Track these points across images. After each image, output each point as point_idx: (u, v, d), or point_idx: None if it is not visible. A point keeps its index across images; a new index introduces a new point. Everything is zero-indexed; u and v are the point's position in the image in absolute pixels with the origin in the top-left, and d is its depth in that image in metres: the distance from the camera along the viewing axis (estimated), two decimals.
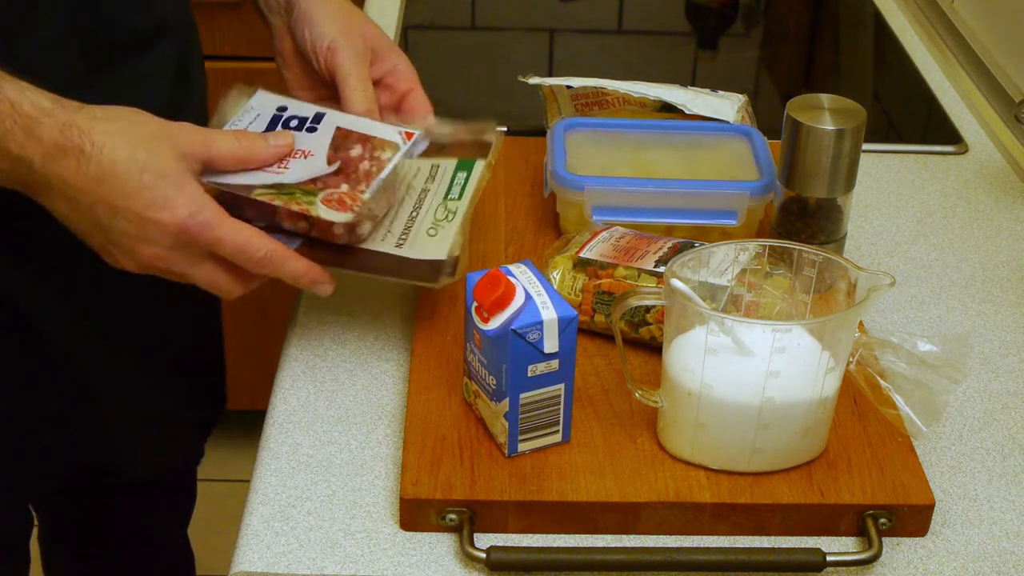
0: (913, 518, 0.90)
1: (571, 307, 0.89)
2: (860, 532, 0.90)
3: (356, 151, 0.99)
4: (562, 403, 0.91)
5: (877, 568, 0.89)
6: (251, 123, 1.01)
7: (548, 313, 0.88)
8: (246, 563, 0.87)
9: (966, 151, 1.39)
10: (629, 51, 1.72)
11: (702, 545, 0.89)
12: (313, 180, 0.96)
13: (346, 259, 0.98)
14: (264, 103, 1.03)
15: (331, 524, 0.90)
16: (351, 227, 0.96)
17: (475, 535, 0.88)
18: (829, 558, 0.87)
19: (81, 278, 1.05)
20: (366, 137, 1.01)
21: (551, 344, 0.88)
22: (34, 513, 1.32)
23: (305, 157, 0.98)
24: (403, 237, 1.00)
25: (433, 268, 0.98)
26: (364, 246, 0.99)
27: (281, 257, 0.93)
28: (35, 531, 1.45)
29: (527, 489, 0.89)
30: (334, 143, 1.00)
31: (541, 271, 1.02)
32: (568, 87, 1.28)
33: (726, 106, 1.23)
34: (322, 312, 1.10)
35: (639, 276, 1.02)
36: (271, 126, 1.00)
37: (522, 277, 0.90)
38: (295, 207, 0.95)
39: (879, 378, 0.98)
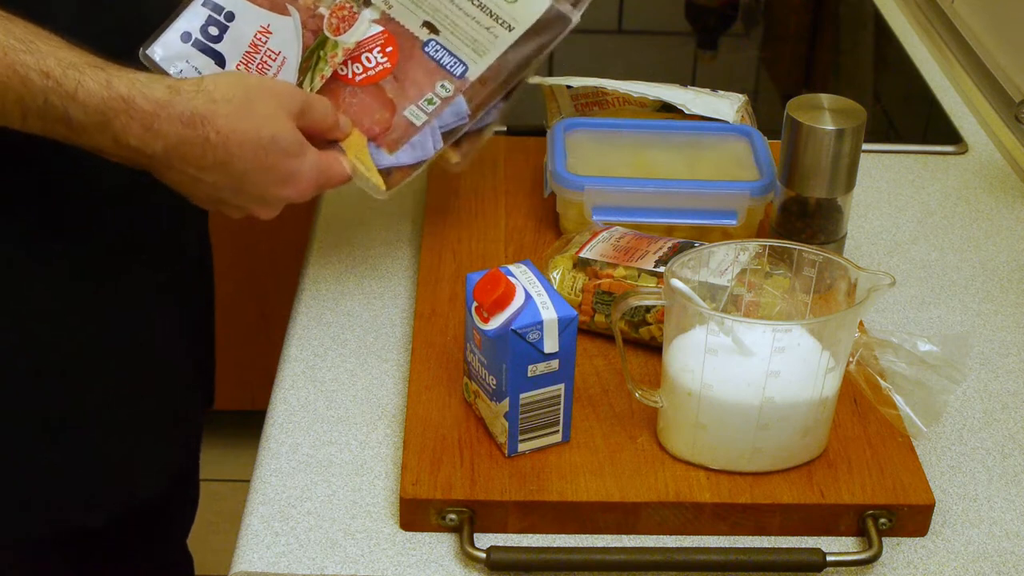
0: (913, 518, 0.90)
1: (571, 307, 0.89)
2: (860, 532, 0.90)
3: None
4: (562, 403, 0.91)
5: (877, 568, 0.89)
6: (197, 72, 0.96)
7: (548, 313, 0.88)
8: (246, 563, 0.87)
9: (966, 151, 1.39)
10: (629, 51, 1.72)
11: (702, 545, 0.89)
12: (304, 30, 0.96)
13: (496, 79, 1.02)
14: (170, 53, 0.97)
15: (331, 524, 0.90)
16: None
17: (475, 535, 0.88)
18: (829, 558, 0.87)
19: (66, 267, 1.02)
20: None
21: (551, 344, 0.88)
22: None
23: (270, 32, 0.96)
24: (500, 22, 1.00)
25: (556, 16, 1.01)
26: (495, 53, 1.01)
27: None
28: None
29: (527, 489, 0.89)
30: (255, 2, 0.97)
31: (541, 271, 1.02)
32: (568, 87, 1.28)
33: (726, 106, 1.23)
34: (322, 312, 1.10)
35: (639, 276, 1.02)
36: (209, 53, 0.97)
37: (522, 277, 0.90)
38: (335, 61, 0.97)
39: (879, 378, 0.98)
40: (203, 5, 0.97)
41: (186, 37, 0.97)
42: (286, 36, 0.97)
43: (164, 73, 0.96)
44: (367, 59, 1.02)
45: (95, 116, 0.86)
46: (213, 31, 0.97)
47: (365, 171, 1.02)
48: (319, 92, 1.00)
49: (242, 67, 0.97)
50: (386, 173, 1.03)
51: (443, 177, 1.25)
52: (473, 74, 1.02)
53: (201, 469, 1.52)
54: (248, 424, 1.72)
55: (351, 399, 1.01)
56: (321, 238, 1.20)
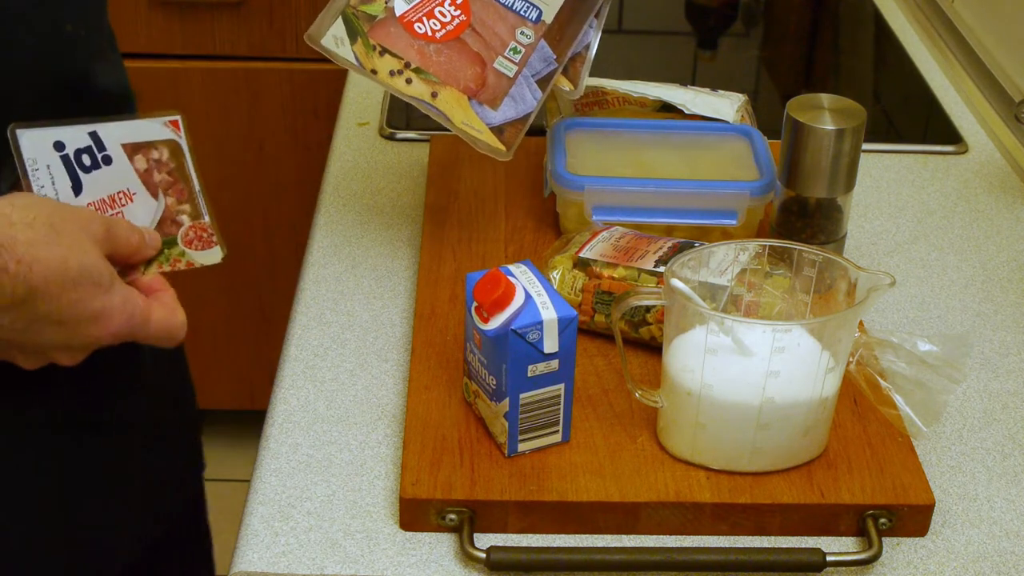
0: (913, 518, 0.90)
1: (571, 307, 0.89)
2: (860, 532, 0.90)
3: (141, 164, 0.94)
4: (562, 403, 0.91)
5: (877, 568, 0.89)
6: (52, 182, 0.90)
7: (548, 313, 0.88)
8: (246, 563, 0.87)
9: (966, 151, 1.39)
10: (629, 51, 1.72)
11: (702, 545, 0.89)
12: (158, 224, 0.94)
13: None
14: (37, 146, 0.90)
15: (331, 524, 0.90)
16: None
17: (475, 535, 0.88)
18: (829, 558, 0.87)
19: None
20: (142, 145, 0.94)
21: (551, 344, 0.88)
22: None
23: (131, 199, 0.93)
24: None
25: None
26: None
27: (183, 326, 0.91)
28: None
29: (527, 489, 0.89)
30: (133, 167, 0.94)
31: (541, 271, 1.02)
32: None
33: (726, 106, 1.23)
34: (322, 312, 1.10)
35: (639, 276, 1.02)
36: (71, 175, 0.91)
37: (522, 277, 0.90)
38: (179, 265, 0.94)
39: (879, 378, 0.98)
40: (88, 133, 0.91)
41: (59, 147, 0.90)
42: (143, 213, 0.94)
43: (21, 161, 0.89)
44: (441, 13, 1.01)
45: None
46: (86, 160, 0.92)
47: (478, 134, 1.01)
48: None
49: (92, 209, 0.92)
50: (498, 132, 1.02)
51: (443, 177, 1.25)
52: (548, 16, 1.02)
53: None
54: (248, 424, 1.72)
55: (351, 399, 1.01)
56: (321, 238, 1.20)
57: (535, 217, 1.20)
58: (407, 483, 0.89)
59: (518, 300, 0.88)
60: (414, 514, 0.89)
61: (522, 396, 0.90)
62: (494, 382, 0.90)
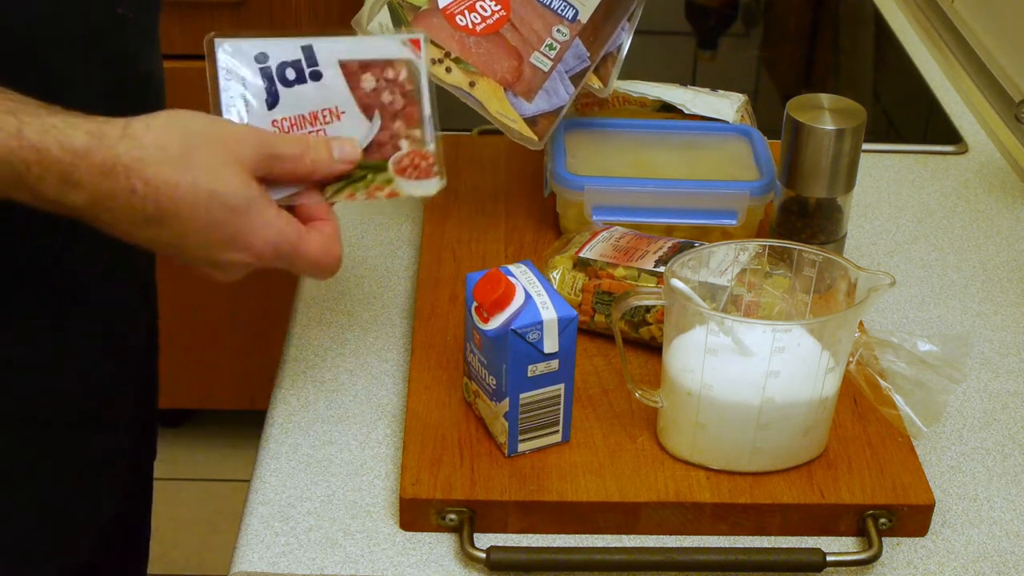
0: (913, 518, 0.90)
1: (571, 307, 0.89)
2: (860, 532, 0.90)
3: (370, 83, 0.88)
4: (562, 403, 0.91)
5: (877, 568, 0.89)
6: (243, 94, 0.86)
7: (548, 313, 0.88)
8: (246, 563, 0.87)
9: (966, 151, 1.39)
10: (629, 51, 1.71)
11: (702, 545, 0.89)
12: (368, 147, 0.88)
13: None
14: (234, 56, 0.86)
15: (331, 524, 0.90)
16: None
17: (475, 535, 0.88)
18: (829, 558, 0.87)
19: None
20: (374, 63, 0.88)
21: (551, 344, 0.88)
22: None
23: (338, 118, 0.87)
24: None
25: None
26: None
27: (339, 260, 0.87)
28: None
29: (527, 489, 0.89)
30: (350, 85, 0.88)
31: (541, 271, 1.02)
32: None
33: (726, 106, 1.23)
34: (322, 312, 1.10)
35: (639, 276, 1.02)
36: (269, 88, 0.87)
37: (522, 277, 0.90)
38: (380, 194, 0.87)
39: (879, 378, 0.98)
40: (301, 47, 0.87)
41: (261, 58, 0.86)
42: (350, 133, 0.88)
43: (213, 71, 0.85)
44: (482, 7, 1.05)
45: (5, 168, 0.75)
46: (290, 74, 0.87)
47: (512, 123, 1.05)
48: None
49: (285, 124, 0.87)
50: (531, 123, 1.07)
51: None
52: (584, 15, 1.07)
53: (201, 469, 1.51)
54: (248, 424, 1.72)
55: (351, 399, 1.01)
56: None
57: (535, 217, 1.20)
58: (407, 483, 0.89)
59: (518, 300, 0.88)
60: (414, 514, 0.89)
61: (522, 396, 0.90)
62: (494, 382, 0.90)
